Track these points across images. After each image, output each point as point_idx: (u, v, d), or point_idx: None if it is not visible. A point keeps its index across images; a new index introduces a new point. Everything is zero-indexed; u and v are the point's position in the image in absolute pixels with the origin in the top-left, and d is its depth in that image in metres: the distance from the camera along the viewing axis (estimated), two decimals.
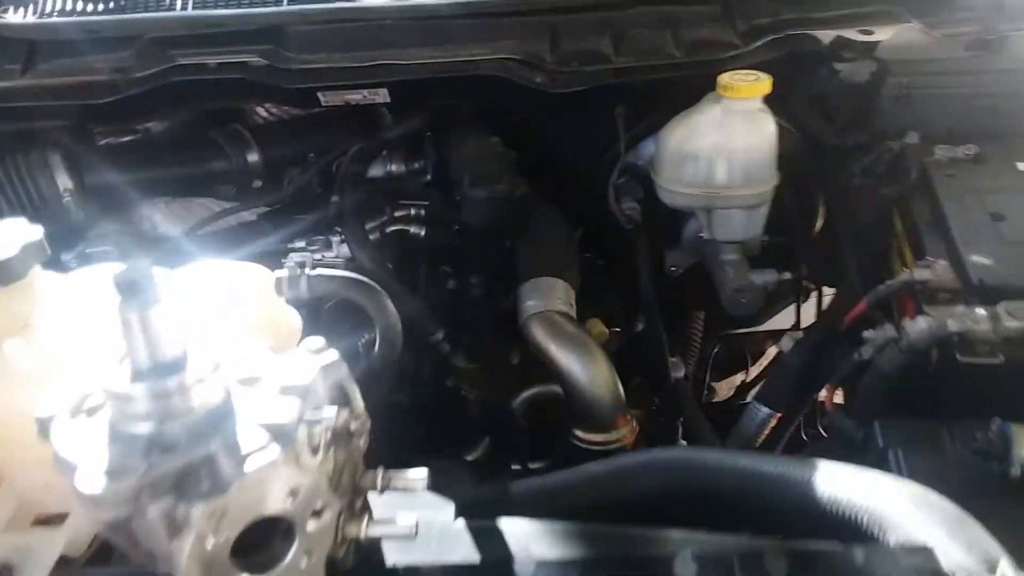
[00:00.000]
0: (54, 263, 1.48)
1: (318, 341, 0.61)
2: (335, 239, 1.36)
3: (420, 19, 1.35)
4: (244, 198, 1.64)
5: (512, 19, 1.37)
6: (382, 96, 1.43)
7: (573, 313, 1.19)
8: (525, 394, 1.23)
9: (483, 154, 1.44)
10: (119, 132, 1.61)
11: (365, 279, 0.79)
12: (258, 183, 1.62)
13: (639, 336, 1.55)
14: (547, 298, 1.18)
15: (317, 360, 0.59)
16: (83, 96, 1.41)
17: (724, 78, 1.22)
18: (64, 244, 1.53)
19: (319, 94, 1.43)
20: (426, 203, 1.48)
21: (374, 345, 0.84)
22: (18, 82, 1.42)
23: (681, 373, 1.64)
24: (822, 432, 1.33)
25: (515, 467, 1.19)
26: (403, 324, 1.24)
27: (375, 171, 1.64)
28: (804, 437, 1.33)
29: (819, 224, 1.47)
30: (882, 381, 0.96)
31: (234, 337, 0.61)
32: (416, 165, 1.66)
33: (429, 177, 1.65)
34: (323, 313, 1.26)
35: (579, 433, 1.12)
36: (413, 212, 1.41)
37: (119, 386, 0.52)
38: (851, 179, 1.40)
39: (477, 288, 1.25)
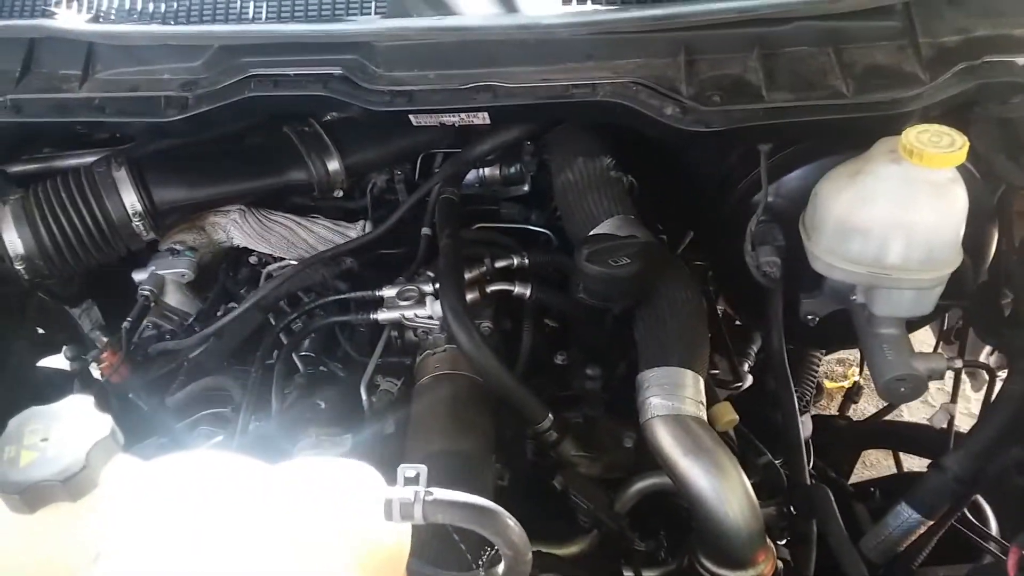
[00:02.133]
0: (125, 283, 1.43)
1: None
2: (428, 290, 1.21)
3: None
4: (326, 209, 1.51)
5: (640, 34, 1.14)
6: (481, 119, 1.23)
7: (703, 412, 1.03)
8: (637, 486, 1.10)
9: (596, 188, 1.25)
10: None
11: (488, 505, 0.65)
12: (339, 193, 1.47)
13: (758, 391, 1.39)
14: (675, 395, 1.02)
15: None
16: (148, 112, 1.25)
17: (910, 139, 0.98)
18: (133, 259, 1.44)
19: (410, 115, 1.24)
20: (528, 236, 1.31)
21: (494, 562, 0.71)
22: (78, 94, 1.27)
23: (809, 431, 1.49)
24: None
25: (627, 574, 1.07)
26: (506, 406, 1.12)
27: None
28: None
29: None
30: None
31: None
32: (512, 171, 1.48)
33: (527, 188, 1.48)
34: None
35: (708, 564, 0.99)
36: (516, 263, 1.23)
37: None
38: None
39: (590, 381, 1.10)
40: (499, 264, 1.23)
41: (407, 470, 0.65)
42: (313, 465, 0.69)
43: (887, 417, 1.76)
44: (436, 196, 1.35)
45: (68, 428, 0.66)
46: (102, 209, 1.31)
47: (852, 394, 1.94)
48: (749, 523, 0.95)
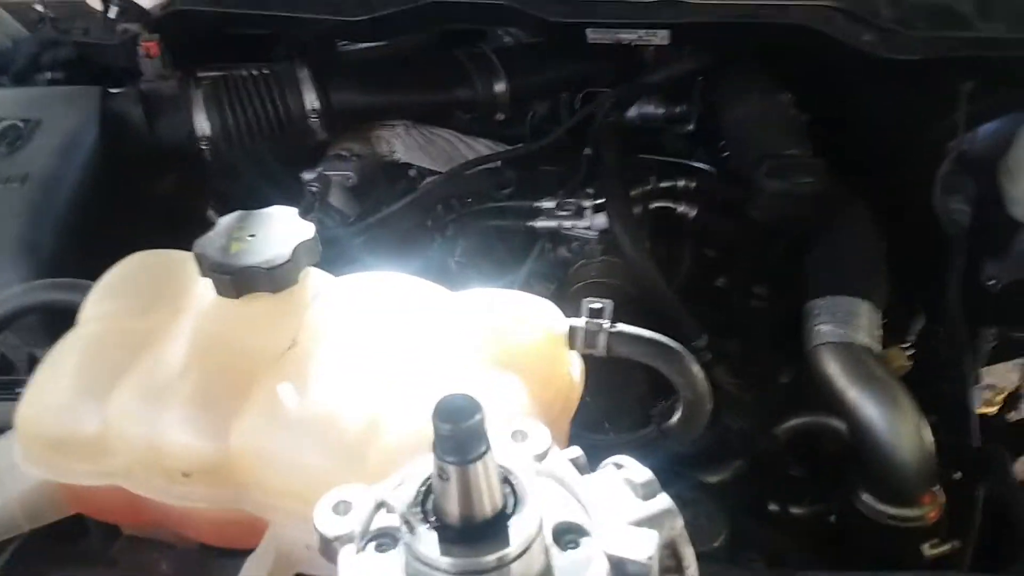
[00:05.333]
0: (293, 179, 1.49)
1: (642, 473, 0.46)
2: (587, 205, 1.20)
3: None
4: (486, 132, 1.52)
5: None
6: (661, 38, 1.21)
7: (879, 346, 0.97)
8: (793, 422, 1.05)
9: (774, 122, 1.20)
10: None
11: (672, 344, 0.63)
12: (501, 116, 1.48)
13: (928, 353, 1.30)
14: (848, 324, 0.97)
15: (647, 509, 0.45)
16: (336, 11, 1.30)
17: None
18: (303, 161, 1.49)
19: (587, 29, 1.23)
20: (692, 170, 1.28)
21: (669, 413, 0.69)
22: None
23: (979, 406, 1.39)
24: None
25: (772, 507, 1.02)
26: (660, 321, 1.09)
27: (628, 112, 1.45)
28: None
29: None
30: None
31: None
32: (678, 109, 1.45)
33: (691, 127, 1.44)
34: None
35: (869, 500, 0.93)
36: (682, 184, 1.20)
37: (424, 548, 0.40)
38: None
39: (757, 299, 1.06)
40: (663, 184, 1.20)
41: (592, 302, 0.64)
42: (495, 294, 0.69)
43: None
44: (600, 120, 1.33)
45: (275, 228, 0.69)
46: (283, 102, 1.37)
47: (1013, 400, 1.79)
48: (920, 458, 0.89)
